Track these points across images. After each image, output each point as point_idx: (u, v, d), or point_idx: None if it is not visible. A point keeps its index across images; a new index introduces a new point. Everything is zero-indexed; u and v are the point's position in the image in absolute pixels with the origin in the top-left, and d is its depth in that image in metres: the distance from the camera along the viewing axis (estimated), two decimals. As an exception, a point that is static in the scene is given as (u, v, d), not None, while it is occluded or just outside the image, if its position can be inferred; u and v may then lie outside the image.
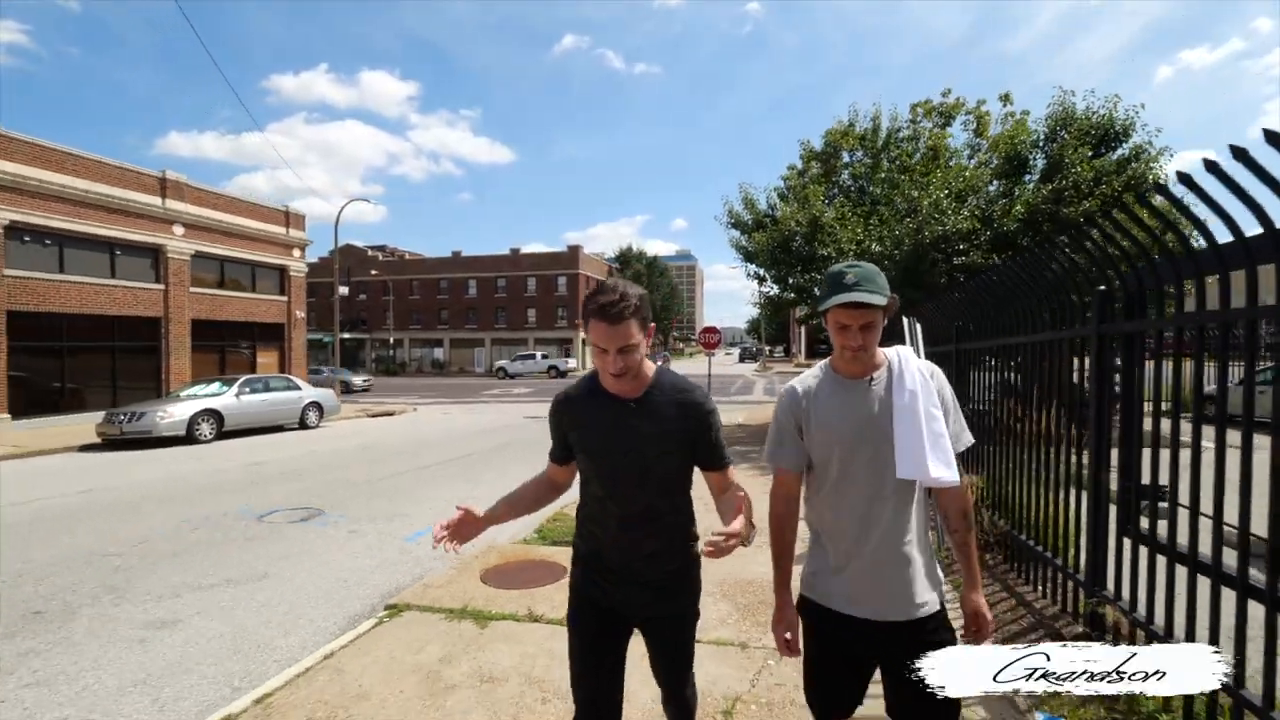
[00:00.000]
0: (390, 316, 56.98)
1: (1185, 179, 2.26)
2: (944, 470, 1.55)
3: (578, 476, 1.91)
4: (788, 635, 1.70)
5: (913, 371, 1.65)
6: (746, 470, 8.12)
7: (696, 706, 1.96)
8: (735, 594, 4.15)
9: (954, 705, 1.55)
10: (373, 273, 56.10)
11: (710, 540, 1.49)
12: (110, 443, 12.31)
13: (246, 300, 20.94)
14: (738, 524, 1.54)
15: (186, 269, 18.60)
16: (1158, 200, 6.20)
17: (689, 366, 54.61)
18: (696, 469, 1.82)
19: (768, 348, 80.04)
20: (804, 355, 59.36)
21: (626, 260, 64.42)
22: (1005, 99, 11.92)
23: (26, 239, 14.86)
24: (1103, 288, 3.26)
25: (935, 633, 1.62)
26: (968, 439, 1.71)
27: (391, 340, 57.30)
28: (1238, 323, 2.33)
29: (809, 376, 1.76)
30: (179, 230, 18.35)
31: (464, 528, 1.79)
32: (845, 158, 13.77)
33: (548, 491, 1.94)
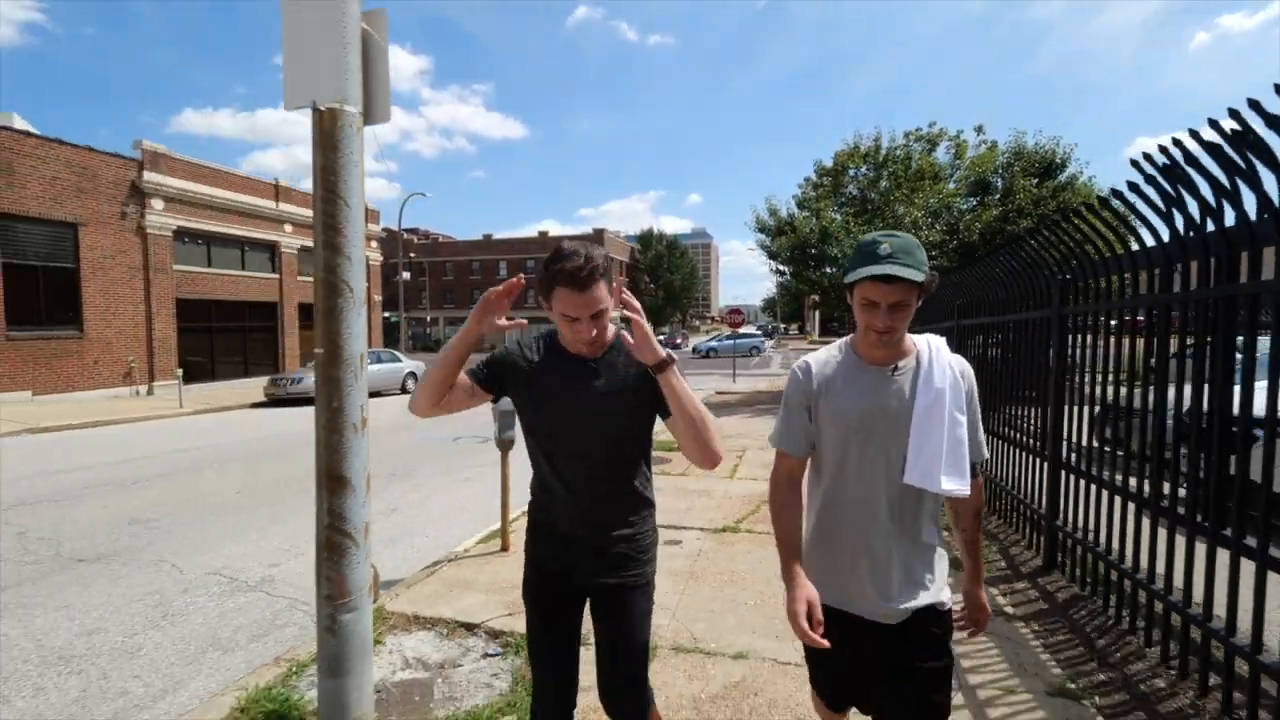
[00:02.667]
0: (426, 296, 60.63)
1: (1105, 203, 3.16)
2: (956, 483, 1.42)
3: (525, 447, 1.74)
4: (805, 616, 1.44)
5: (943, 366, 1.47)
6: (770, 422, 11.45)
7: None
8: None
9: (945, 713, 1.51)
10: (411, 255, 59.64)
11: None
12: (275, 400, 15.90)
13: (337, 286, 24.48)
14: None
15: (295, 260, 22.15)
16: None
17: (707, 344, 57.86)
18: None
19: (783, 325, 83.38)
20: (817, 333, 62.78)
21: (648, 242, 67.26)
22: (979, 130, 15.01)
23: (187, 240, 18.42)
24: (1064, 277, 3.82)
25: (935, 641, 1.51)
26: (983, 451, 1.55)
27: (428, 319, 61.04)
28: (1165, 306, 2.91)
29: (825, 354, 1.59)
30: (288, 228, 21.84)
31: (495, 307, 1.58)
32: (851, 173, 16.88)
33: (443, 396, 1.62)
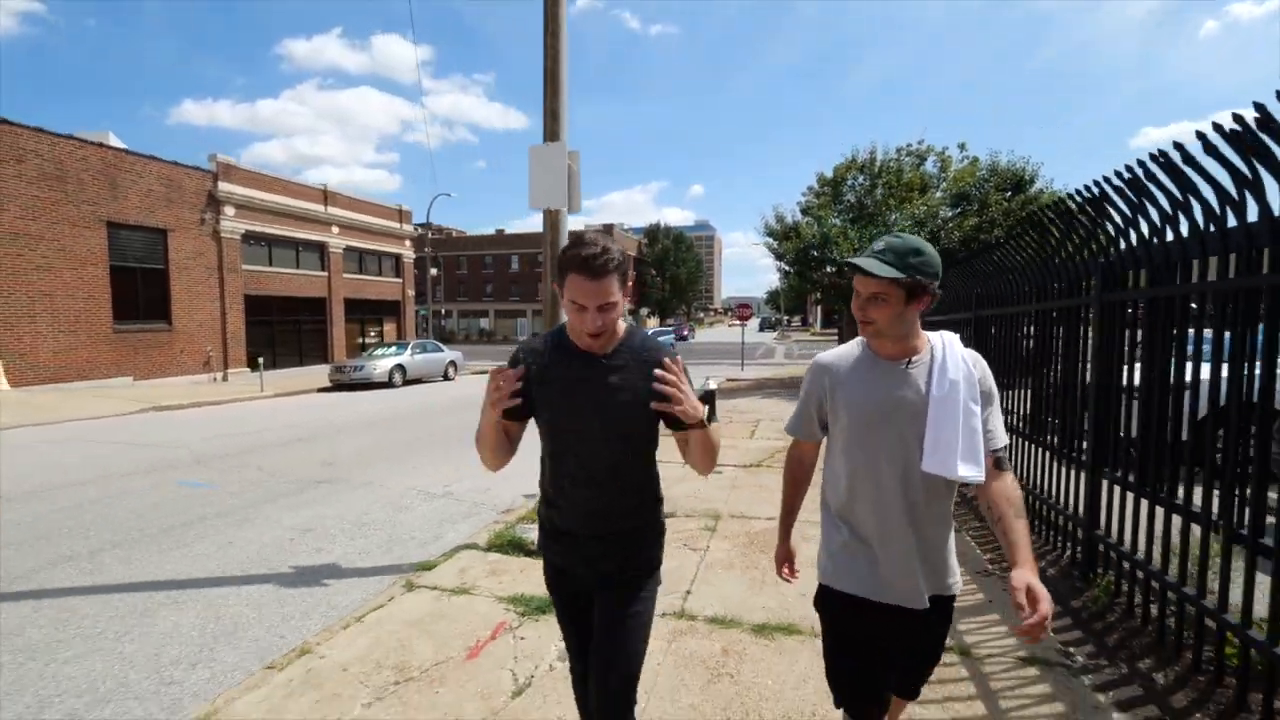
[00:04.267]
0: (441, 289, 62.67)
1: (1169, 165, 2.72)
2: (972, 469, 1.48)
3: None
4: (785, 566, 1.84)
5: (956, 360, 1.54)
6: (778, 402, 13.50)
7: None
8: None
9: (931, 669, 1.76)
10: (426, 250, 61.61)
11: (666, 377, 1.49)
12: (338, 386, 18.01)
13: (376, 282, 26.58)
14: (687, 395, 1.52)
15: (340, 259, 24.22)
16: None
17: (713, 335, 59.97)
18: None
19: (786, 318, 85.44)
20: (819, 326, 64.81)
21: (654, 236, 69.18)
22: (962, 147, 17.00)
23: (252, 242, 20.50)
24: (1104, 259, 3.42)
25: (947, 613, 1.66)
26: (1002, 438, 1.59)
27: (443, 311, 63.13)
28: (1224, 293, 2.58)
29: (843, 350, 1.67)
30: (335, 230, 23.89)
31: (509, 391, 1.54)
32: (849, 182, 18.85)
33: (506, 441, 1.69)
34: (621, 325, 1.67)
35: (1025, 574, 1.44)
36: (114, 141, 17.33)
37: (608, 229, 59.60)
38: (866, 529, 1.60)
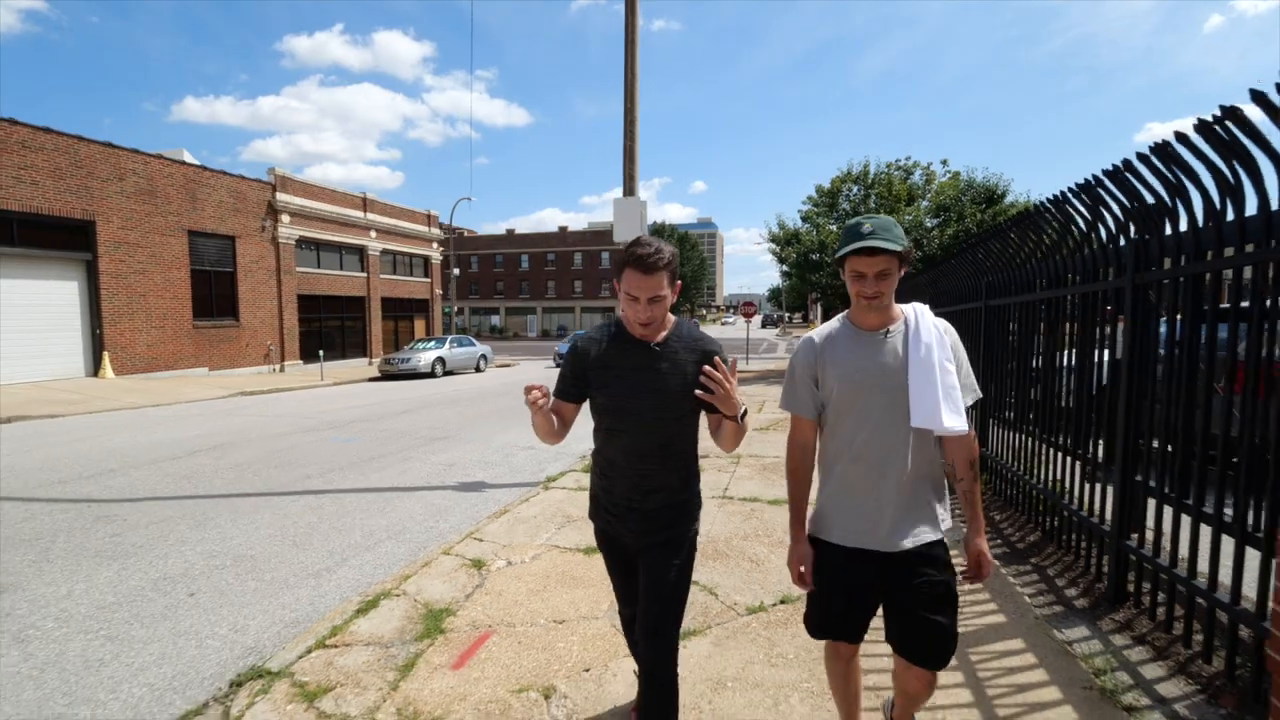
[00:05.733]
0: (453, 287, 64.80)
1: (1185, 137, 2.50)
2: (956, 420, 1.64)
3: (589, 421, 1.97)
4: (802, 568, 1.81)
5: (928, 326, 1.72)
6: (777, 388, 15.62)
7: (678, 705, 1.87)
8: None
9: (952, 635, 1.73)
10: (451, 251, 63.88)
11: (712, 373, 1.72)
12: (386, 375, 20.12)
13: (408, 282, 28.71)
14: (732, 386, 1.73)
15: (378, 261, 26.34)
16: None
17: (716, 332, 62.16)
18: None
19: (787, 314, 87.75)
20: (820, 321, 67.10)
21: (659, 235, 71.15)
22: (945, 163, 19.13)
23: (303, 247, 22.62)
24: (1144, 235, 3.09)
25: (935, 562, 1.73)
26: (976, 392, 1.79)
27: (454, 308, 65.27)
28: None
29: (826, 327, 1.84)
30: (373, 234, 26.01)
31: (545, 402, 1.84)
32: (845, 193, 20.97)
33: (559, 425, 1.95)
34: (671, 317, 1.88)
35: (981, 543, 1.77)
36: (188, 158, 19.45)
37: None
38: (857, 485, 1.75)
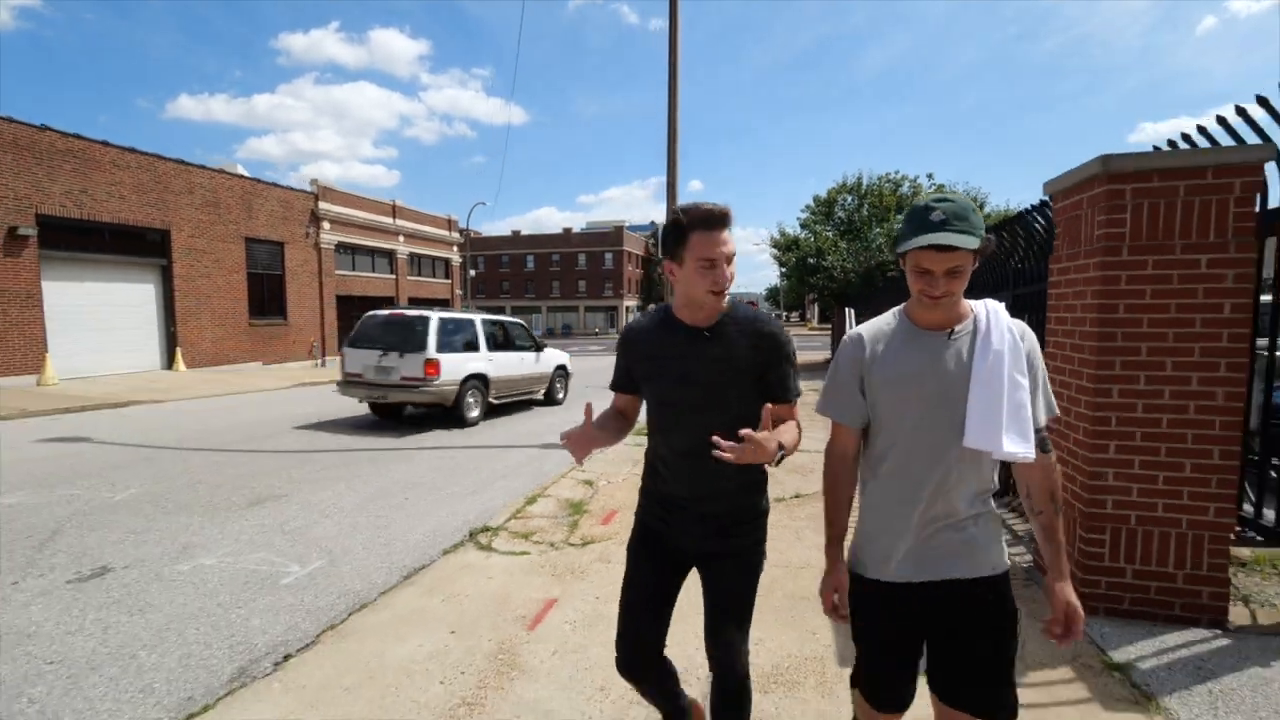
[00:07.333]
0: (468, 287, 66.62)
1: None
2: (1019, 445, 1.39)
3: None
4: (835, 596, 1.59)
5: (1001, 329, 1.46)
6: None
7: (750, 706, 1.77)
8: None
9: (1008, 674, 1.46)
10: (467, 254, 65.79)
11: (729, 445, 1.46)
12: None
13: (430, 283, 30.60)
14: (770, 434, 1.52)
15: (405, 264, 28.22)
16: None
17: (718, 330, 64.04)
18: None
19: (785, 313, 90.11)
20: (816, 321, 69.38)
21: (656, 236, 73.17)
22: (930, 176, 21.10)
23: (341, 251, 24.51)
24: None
25: (998, 598, 1.49)
26: (1054, 409, 1.52)
27: (462, 307, 67.08)
28: None
29: (879, 323, 1.58)
30: (401, 239, 27.90)
31: (583, 440, 1.74)
32: (840, 202, 22.97)
33: (620, 422, 1.91)
34: (726, 297, 1.71)
35: (1067, 590, 1.45)
36: (242, 171, 21.31)
37: (618, 231, 63.61)
38: (902, 508, 1.50)
